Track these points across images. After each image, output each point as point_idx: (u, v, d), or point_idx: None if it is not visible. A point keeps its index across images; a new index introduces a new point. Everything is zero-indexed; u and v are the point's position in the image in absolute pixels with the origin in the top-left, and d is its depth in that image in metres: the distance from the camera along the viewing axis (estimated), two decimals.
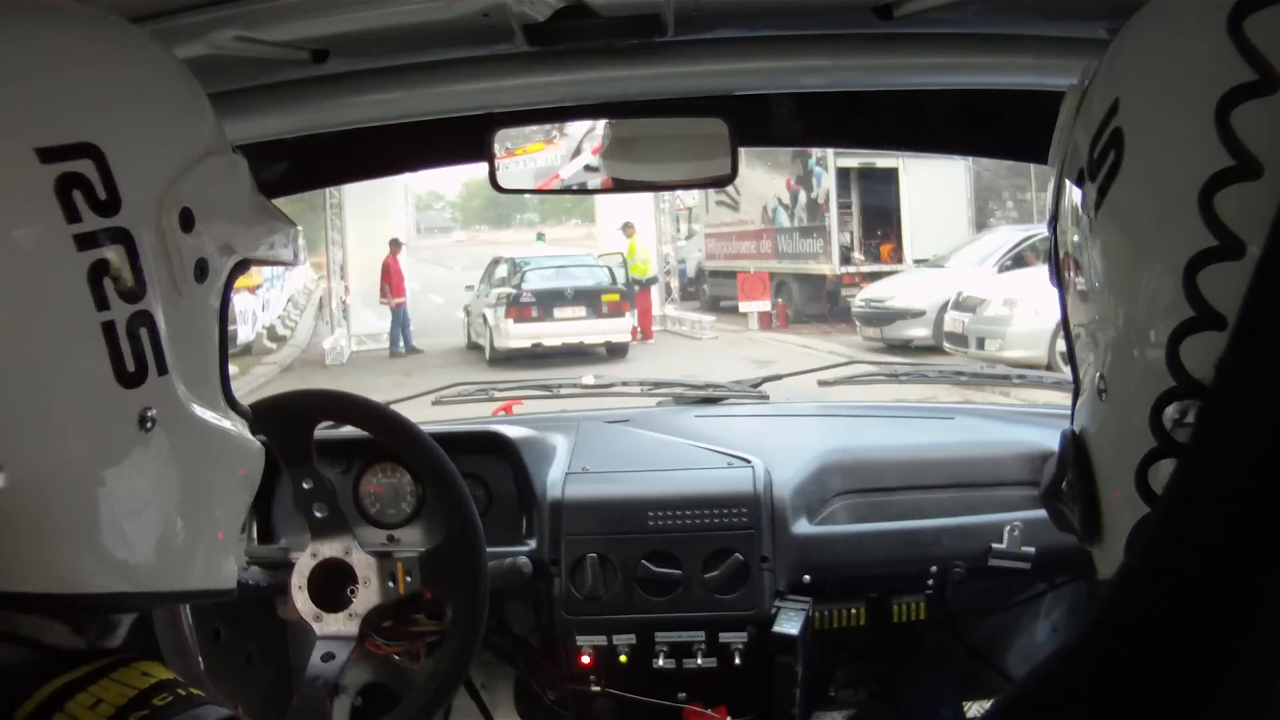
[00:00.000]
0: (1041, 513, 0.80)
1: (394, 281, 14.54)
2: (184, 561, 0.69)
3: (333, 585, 1.55)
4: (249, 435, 0.75)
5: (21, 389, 0.60)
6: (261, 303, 15.51)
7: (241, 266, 0.73)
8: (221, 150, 0.71)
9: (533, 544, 1.70)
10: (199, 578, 0.71)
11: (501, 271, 14.84)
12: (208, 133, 0.71)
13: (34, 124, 0.60)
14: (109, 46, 0.67)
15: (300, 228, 0.80)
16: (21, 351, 0.60)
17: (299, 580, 1.55)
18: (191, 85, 0.72)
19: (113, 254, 0.62)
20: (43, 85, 0.62)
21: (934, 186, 14.76)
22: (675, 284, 18.38)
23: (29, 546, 0.62)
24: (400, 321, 14.57)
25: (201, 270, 0.68)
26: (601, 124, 1.53)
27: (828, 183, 15.26)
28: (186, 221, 0.66)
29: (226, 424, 0.72)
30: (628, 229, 15.89)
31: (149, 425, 0.64)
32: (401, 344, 14.57)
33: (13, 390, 0.60)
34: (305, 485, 1.55)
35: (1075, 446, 0.66)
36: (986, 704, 1.97)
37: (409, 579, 1.53)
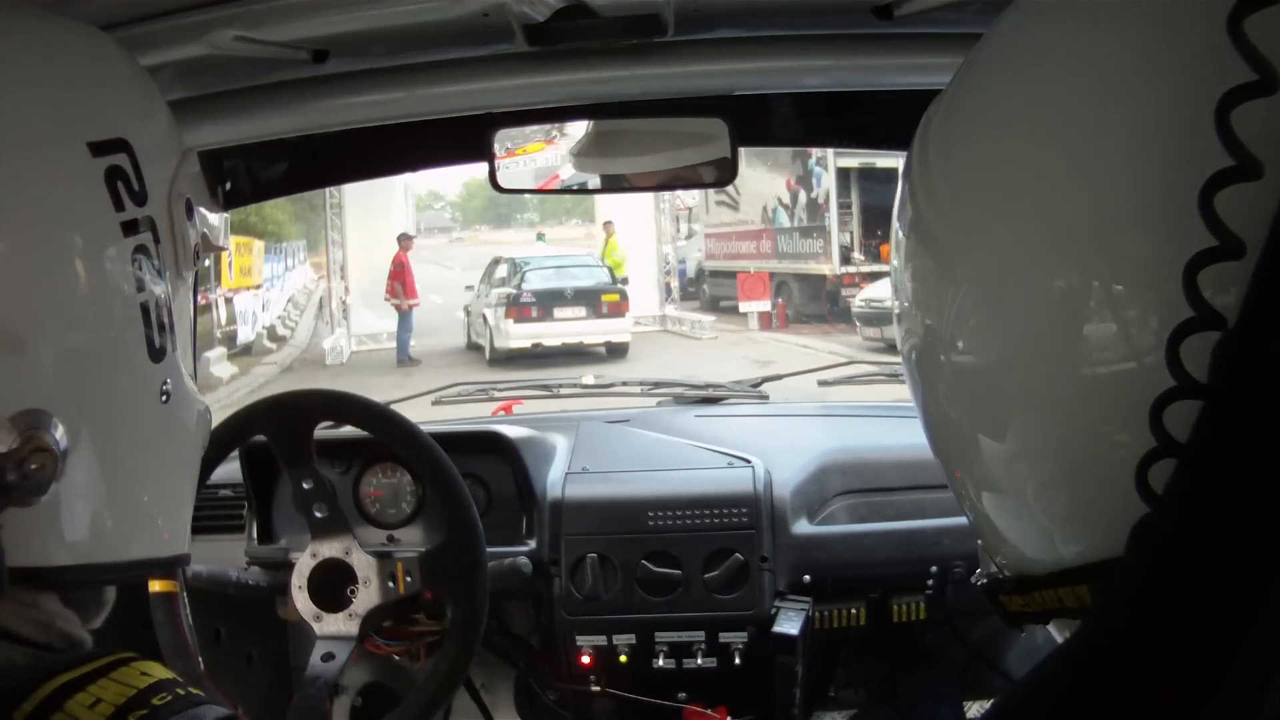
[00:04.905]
0: None
1: (407, 281, 14.25)
2: (181, 526, 0.75)
3: (333, 585, 1.55)
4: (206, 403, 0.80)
5: (80, 366, 0.64)
6: (261, 303, 15.51)
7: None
8: (188, 149, 0.78)
9: (533, 544, 1.70)
10: (180, 543, 0.75)
11: (501, 271, 14.83)
12: (180, 134, 0.77)
13: (83, 122, 0.65)
14: (118, 59, 0.73)
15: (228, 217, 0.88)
16: (81, 331, 0.64)
17: (299, 580, 1.55)
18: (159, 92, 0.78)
19: (146, 240, 0.67)
20: (84, 89, 0.67)
21: None
22: (675, 284, 18.38)
23: (64, 520, 0.64)
24: (407, 326, 14.35)
25: (196, 256, 0.75)
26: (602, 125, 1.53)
27: (828, 183, 15.24)
28: (189, 211, 0.73)
29: (198, 395, 0.77)
30: (607, 227, 15.90)
31: (165, 398, 0.70)
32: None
33: (73, 368, 0.64)
34: (305, 485, 1.55)
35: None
36: (986, 704, 1.97)
37: (409, 579, 1.53)
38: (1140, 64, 0.52)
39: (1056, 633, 0.62)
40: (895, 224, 0.64)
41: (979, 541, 0.64)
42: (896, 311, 0.64)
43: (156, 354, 0.68)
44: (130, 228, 0.66)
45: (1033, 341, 0.53)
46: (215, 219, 0.82)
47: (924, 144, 0.62)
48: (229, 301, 13.96)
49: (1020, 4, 0.60)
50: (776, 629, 1.60)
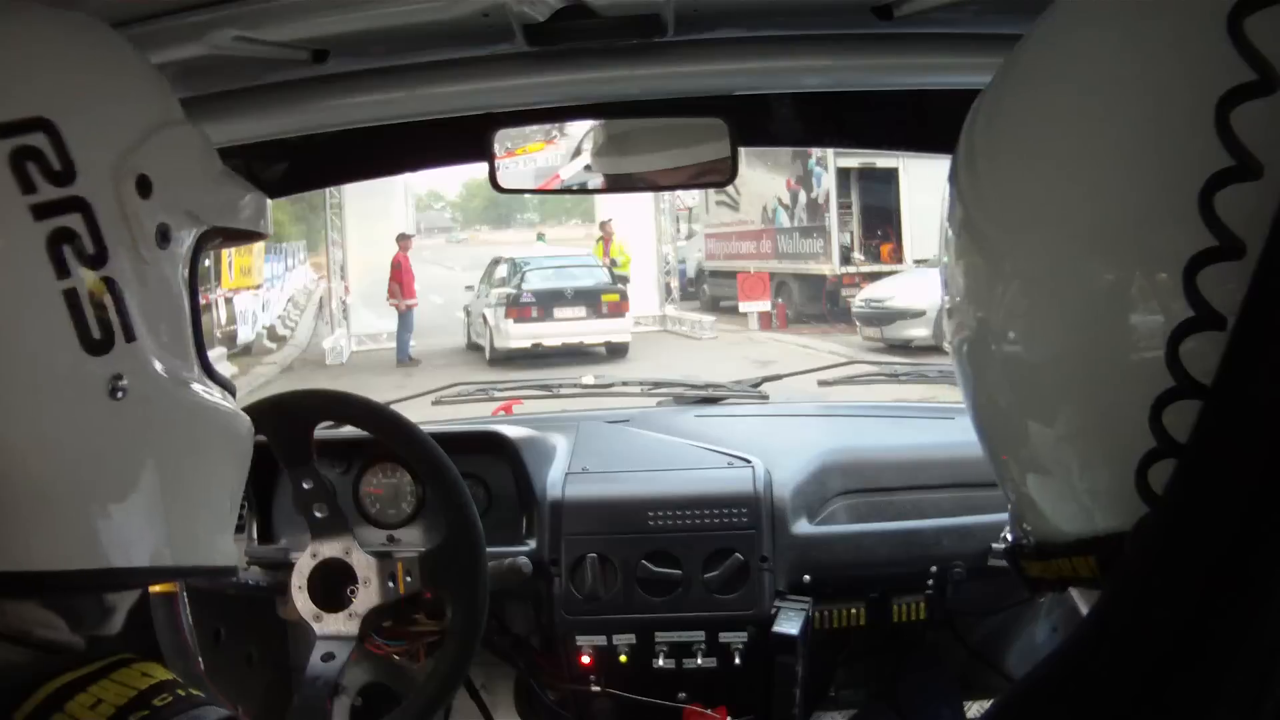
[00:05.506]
0: None
1: (405, 281, 14.22)
2: (176, 535, 0.69)
3: (333, 585, 1.55)
4: (234, 408, 0.75)
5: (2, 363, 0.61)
6: (261, 303, 15.51)
7: (210, 237, 0.75)
8: (177, 121, 0.73)
9: (533, 544, 1.70)
10: (192, 553, 0.71)
11: (501, 272, 14.83)
12: (162, 105, 0.73)
13: None
14: (56, 29, 0.69)
15: (269, 201, 0.83)
16: None
17: (299, 580, 1.55)
18: (141, 60, 0.74)
19: (71, 222, 0.63)
20: None
21: (934, 186, 14.65)
22: (675, 284, 18.38)
23: (8, 522, 0.62)
24: (407, 327, 14.34)
25: (164, 236, 0.69)
26: (601, 125, 1.53)
27: (828, 183, 15.25)
28: (144, 188, 0.67)
29: (206, 395, 0.72)
30: (605, 227, 15.86)
31: (120, 394, 0.65)
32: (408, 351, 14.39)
33: None
34: (305, 485, 1.55)
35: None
36: (986, 704, 1.97)
37: (409, 579, 1.53)
38: (1171, 62, 0.53)
39: (1081, 603, 0.63)
40: (945, 224, 0.66)
41: (1008, 506, 0.67)
42: (947, 306, 0.67)
43: (96, 345, 0.63)
44: (45, 210, 0.62)
45: (1081, 331, 0.55)
46: (242, 200, 0.78)
47: (970, 148, 0.64)
48: (229, 301, 13.97)
49: (1059, 6, 0.61)
50: (776, 629, 1.60)
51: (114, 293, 0.65)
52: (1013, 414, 0.61)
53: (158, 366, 0.68)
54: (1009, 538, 0.68)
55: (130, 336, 0.65)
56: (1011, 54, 0.64)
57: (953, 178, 0.66)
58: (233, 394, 0.76)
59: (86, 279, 0.63)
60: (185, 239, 0.72)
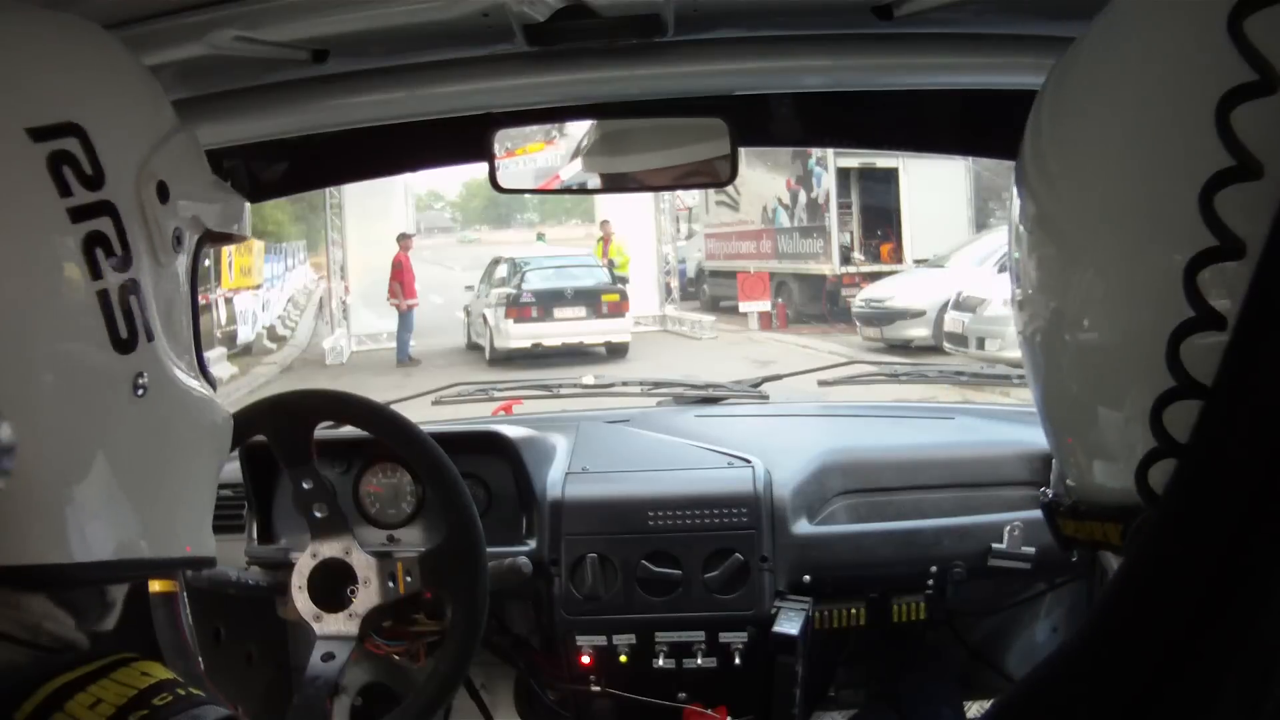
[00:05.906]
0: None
1: (405, 281, 14.24)
2: (171, 529, 0.71)
3: (333, 585, 1.55)
4: (216, 398, 0.77)
5: (26, 357, 0.62)
6: (261, 303, 15.51)
7: (203, 240, 0.77)
8: (179, 127, 0.75)
9: (533, 544, 1.70)
10: (183, 545, 0.73)
11: (501, 272, 14.83)
12: (168, 113, 0.75)
13: (23, 108, 0.63)
14: (76, 39, 0.71)
15: (249, 205, 0.85)
16: (26, 321, 0.62)
17: (299, 580, 1.55)
18: (145, 71, 0.76)
19: (102, 225, 0.65)
20: (27, 74, 0.65)
21: (934, 186, 14.76)
22: (675, 284, 18.38)
23: (33, 517, 0.63)
24: (407, 326, 14.34)
25: (178, 240, 0.71)
26: (601, 125, 1.53)
27: (828, 183, 15.25)
28: (163, 193, 0.69)
29: (200, 390, 0.74)
30: (604, 227, 15.86)
31: (141, 391, 0.67)
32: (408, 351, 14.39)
33: (18, 358, 0.62)
34: (305, 485, 1.55)
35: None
36: (986, 704, 1.97)
37: (409, 579, 1.53)
38: (1178, 62, 0.54)
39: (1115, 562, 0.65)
40: (1015, 222, 0.69)
41: (1053, 462, 0.71)
42: (1018, 299, 0.70)
43: (123, 344, 0.65)
44: (80, 214, 0.64)
45: (1152, 315, 0.56)
46: (231, 205, 0.80)
47: (1037, 149, 0.68)
48: (229, 301, 13.96)
49: (1112, 6, 0.64)
50: (776, 629, 1.60)
51: (138, 294, 0.67)
52: (1083, 395, 0.64)
53: (170, 364, 0.70)
54: (1049, 493, 0.71)
55: (150, 336, 0.68)
56: (1067, 55, 0.66)
57: (1020, 179, 0.68)
58: (214, 388, 0.78)
59: (115, 280, 0.65)
60: (191, 242, 0.74)
